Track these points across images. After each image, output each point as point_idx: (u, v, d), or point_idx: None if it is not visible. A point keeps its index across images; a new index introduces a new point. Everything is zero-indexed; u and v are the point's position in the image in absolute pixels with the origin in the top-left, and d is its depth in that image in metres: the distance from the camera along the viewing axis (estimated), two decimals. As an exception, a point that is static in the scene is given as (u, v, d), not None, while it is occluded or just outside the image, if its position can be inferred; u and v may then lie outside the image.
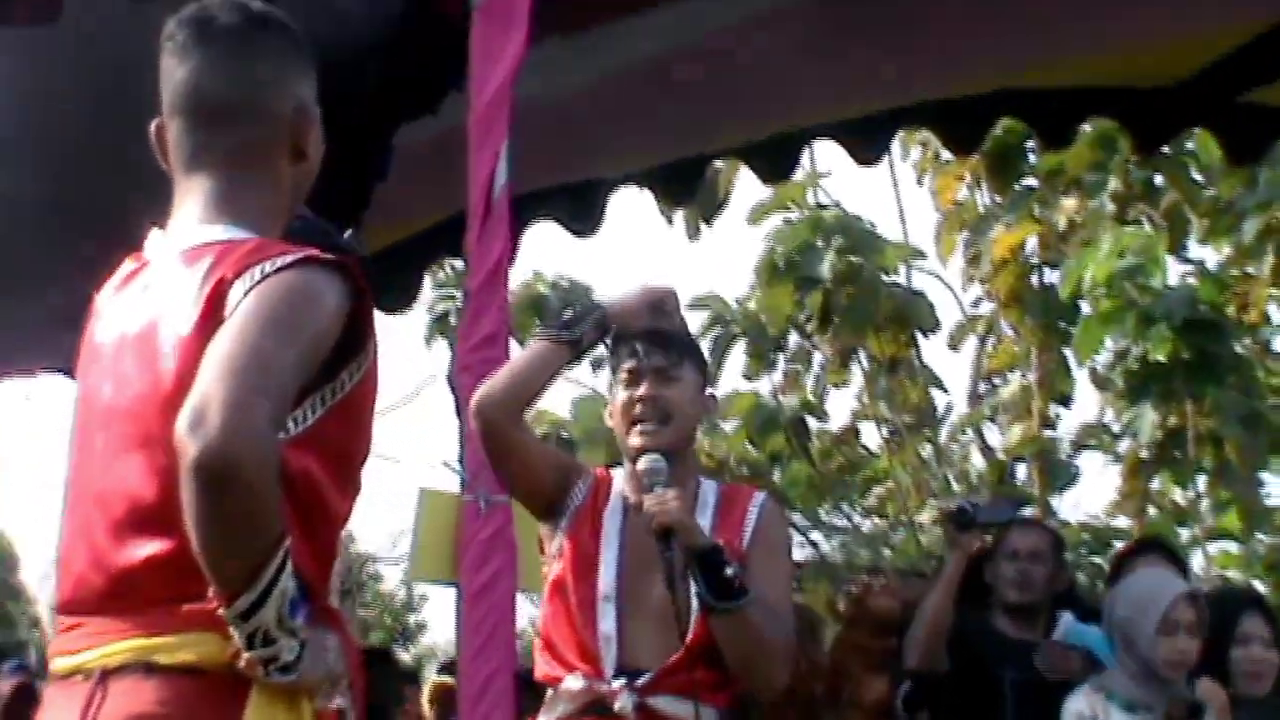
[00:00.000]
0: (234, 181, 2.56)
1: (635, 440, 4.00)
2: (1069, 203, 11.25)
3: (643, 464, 3.93)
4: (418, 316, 14.83)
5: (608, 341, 4.14)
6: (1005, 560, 5.66)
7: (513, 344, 4.71)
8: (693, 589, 3.86)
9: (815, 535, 15.23)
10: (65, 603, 2.49)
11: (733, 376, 12.99)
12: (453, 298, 13.48)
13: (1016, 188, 11.40)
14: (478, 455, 4.88)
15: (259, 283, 2.36)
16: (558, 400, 15.47)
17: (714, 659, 3.90)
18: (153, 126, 2.65)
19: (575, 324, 3.99)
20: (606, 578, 3.96)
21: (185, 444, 2.18)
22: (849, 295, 11.91)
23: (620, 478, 4.13)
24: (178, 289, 2.43)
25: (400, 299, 8.09)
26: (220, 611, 2.26)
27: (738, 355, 12.88)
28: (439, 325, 12.91)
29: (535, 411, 14.23)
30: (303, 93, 2.63)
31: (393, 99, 5.12)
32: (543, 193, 7.01)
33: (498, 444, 4.03)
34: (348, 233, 3.74)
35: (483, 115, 4.77)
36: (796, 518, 14.56)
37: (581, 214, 7.62)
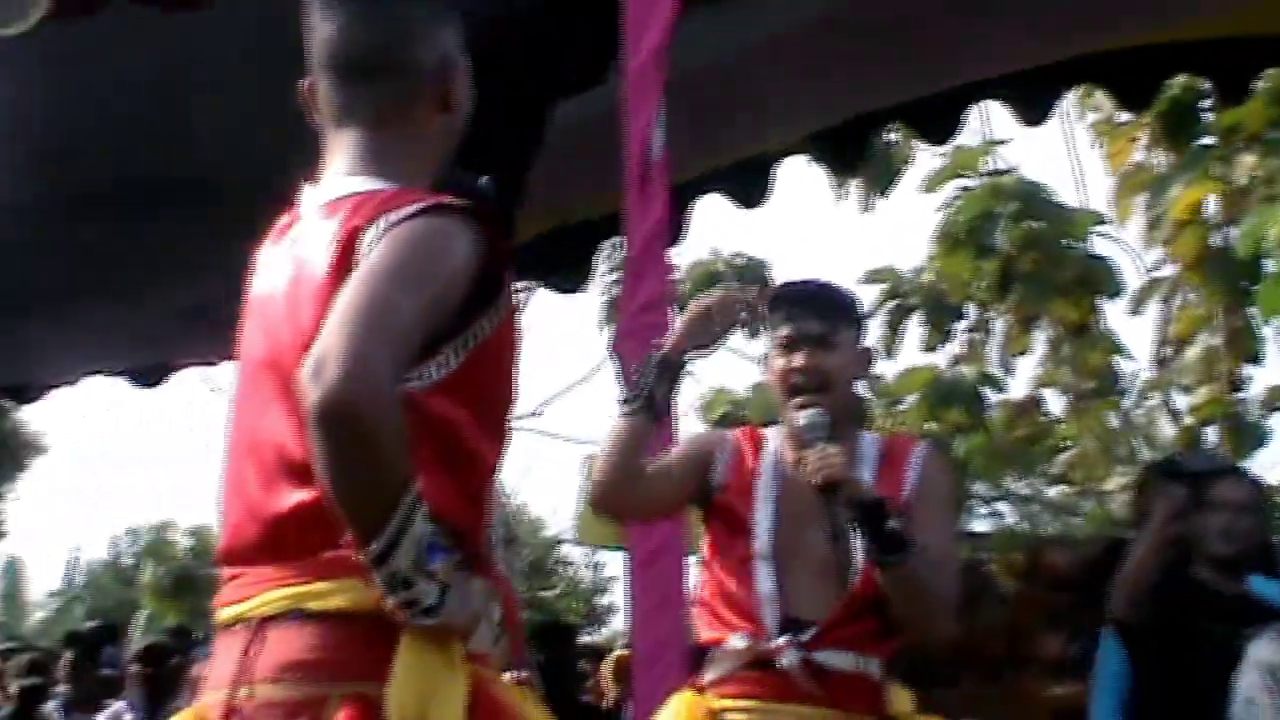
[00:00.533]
0: (381, 135, 2.58)
1: (794, 411, 3.99)
2: (1248, 159, 11.03)
3: (803, 420, 3.92)
4: (594, 299, 14.87)
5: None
6: (1212, 511, 5.58)
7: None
8: (856, 543, 3.85)
9: (1000, 505, 15.10)
10: (225, 553, 2.54)
11: (909, 350, 12.90)
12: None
13: (1193, 146, 11.20)
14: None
15: (387, 231, 2.38)
16: (738, 380, 15.45)
17: (878, 610, 3.89)
18: (304, 84, 2.67)
19: (638, 387, 3.91)
20: (761, 537, 3.96)
21: (306, 392, 2.22)
22: (1031, 262, 11.78)
23: (774, 436, 4.12)
24: (318, 241, 2.47)
25: (572, 279, 8.14)
26: (358, 557, 2.29)
27: (914, 328, 12.76)
28: (613, 308, 12.91)
29: (714, 392, 14.25)
30: (447, 44, 2.64)
31: (551, 69, 5.16)
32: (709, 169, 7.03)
33: (634, 516, 4.15)
34: (483, 179, 3.75)
35: (636, 81, 4.79)
36: (979, 487, 14.44)
37: (749, 186, 7.62)
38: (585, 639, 12.69)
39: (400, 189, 2.50)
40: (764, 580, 3.93)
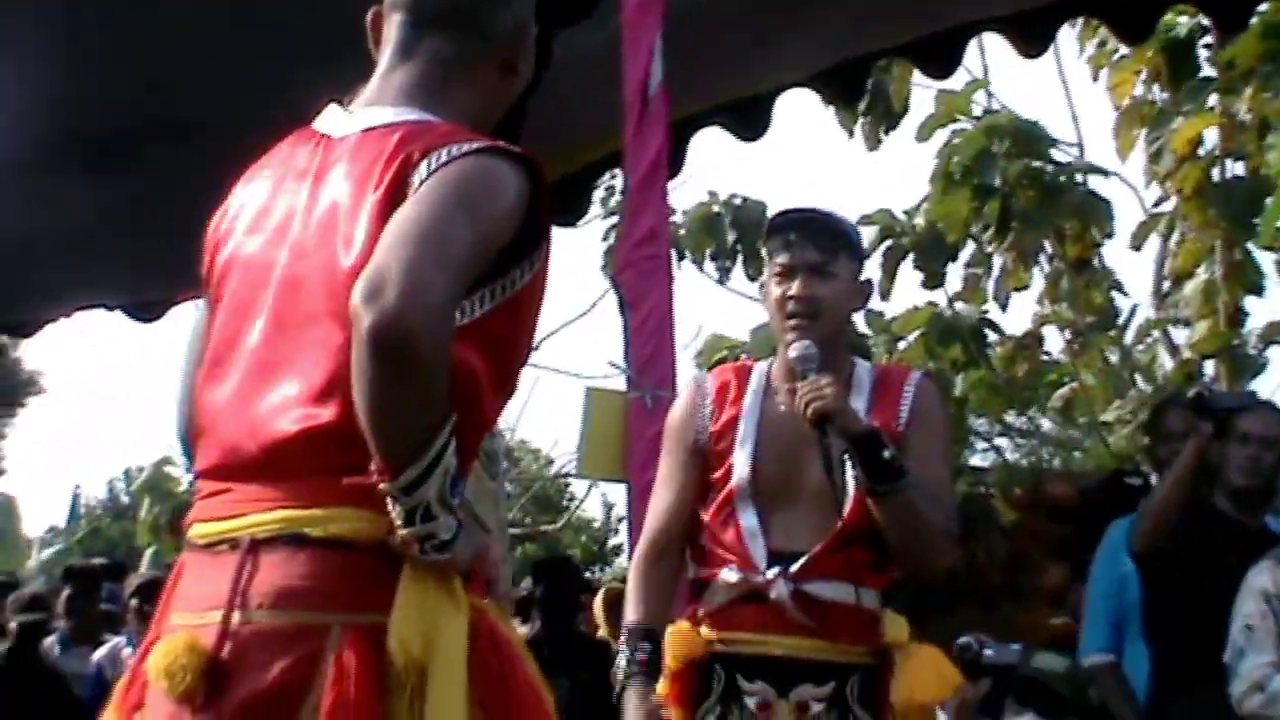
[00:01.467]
0: (439, 78, 2.57)
1: (789, 337, 3.97)
2: (1249, 94, 10.99)
3: (794, 351, 3.90)
4: (592, 234, 14.84)
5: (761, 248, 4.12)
6: (1236, 444, 5.60)
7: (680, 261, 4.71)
8: (849, 473, 3.84)
9: (1000, 440, 15.13)
10: (212, 468, 2.48)
11: (904, 290, 12.90)
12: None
13: (1193, 81, 11.16)
14: (643, 353, 4.93)
15: (445, 164, 2.36)
16: (738, 325, 15.42)
17: (871, 539, 3.88)
18: (370, 14, 2.66)
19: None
20: (740, 474, 3.94)
21: (361, 313, 2.18)
22: (1028, 199, 11.75)
23: (762, 369, 4.11)
24: (363, 163, 2.44)
25: (569, 212, 8.11)
26: (383, 485, 2.26)
27: (908, 270, 12.72)
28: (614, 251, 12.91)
29: (713, 336, 14.25)
30: (522, 9, 2.65)
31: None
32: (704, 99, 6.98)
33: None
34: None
35: (634, 13, 4.79)
36: (980, 423, 14.44)
37: (748, 119, 7.58)
38: (588, 575, 12.73)
39: (455, 126, 2.48)
40: (747, 516, 3.92)
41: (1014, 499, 7.44)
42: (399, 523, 2.28)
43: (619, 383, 5.24)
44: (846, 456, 3.81)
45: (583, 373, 14.27)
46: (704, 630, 3.93)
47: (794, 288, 3.97)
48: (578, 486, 25.65)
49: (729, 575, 3.91)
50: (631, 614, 4.00)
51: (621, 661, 3.96)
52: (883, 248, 12.56)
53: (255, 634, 2.33)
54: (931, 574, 4.11)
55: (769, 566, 3.88)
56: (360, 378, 2.21)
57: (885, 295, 12.56)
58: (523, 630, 7.82)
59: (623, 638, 4.03)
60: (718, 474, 3.98)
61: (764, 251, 4.16)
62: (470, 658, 2.32)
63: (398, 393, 2.20)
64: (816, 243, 3.99)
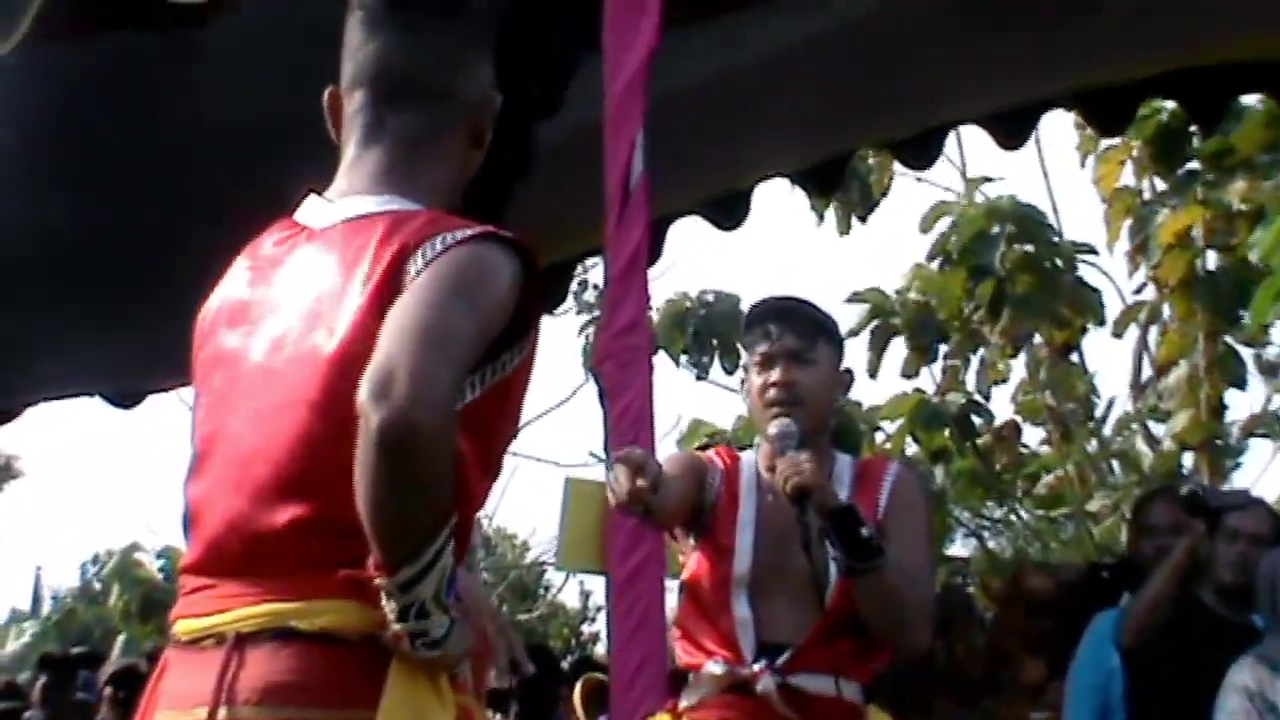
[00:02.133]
0: (410, 157, 2.54)
1: (768, 423, 3.97)
2: (1239, 185, 11.06)
3: (774, 428, 3.90)
4: (569, 322, 14.89)
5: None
6: (1225, 541, 5.62)
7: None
8: (830, 554, 3.84)
9: (980, 530, 15.10)
10: (195, 564, 2.45)
11: (891, 372, 12.90)
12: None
13: (1179, 173, 11.25)
14: (623, 443, 4.92)
15: (440, 254, 2.33)
16: (721, 413, 15.37)
17: (855, 629, 3.86)
18: (326, 94, 2.63)
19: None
20: (741, 562, 3.92)
21: (369, 411, 2.15)
22: (1024, 284, 11.81)
23: (750, 458, 4.10)
24: (347, 255, 2.42)
25: (548, 300, 8.14)
26: (379, 581, 2.23)
27: (898, 349, 12.76)
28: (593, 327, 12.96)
29: (694, 421, 14.25)
30: (486, 78, 2.62)
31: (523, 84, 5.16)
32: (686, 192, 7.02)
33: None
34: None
35: (618, 103, 4.79)
36: (960, 513, 14.43)
37: (726, 210, 7.63)
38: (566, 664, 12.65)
39: (438, 212, 2.47)
40: (740, 606, 3.90)
41: (993, 592, 7.43)
42: (392, 618, 2.26)
43: (598, 472, 5.24)
44: (825, 536, 3.81)
45: (561, 460, 14.27)
46: None
47: (774, 375, 3.97)
48: (554, 574, 25.63)
49: (714, 668, 3.89)
50: None
51: None
52: (871, 326, 12.59)
53: None
54: (910, 656, 4.10)
55: (756, 659, 3.87)
56: (365, 475, 2.18)
57: (873, 374, 12.58)
58: (500, 721, 7.80)
59: None
60: (711, 560, 3.95)
61: (743, 343, 4.17)
62: None
63: (404, 491, 2.18)
64: (796, 330, 4.00)
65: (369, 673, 2.28)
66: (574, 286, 12.62)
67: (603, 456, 4.97)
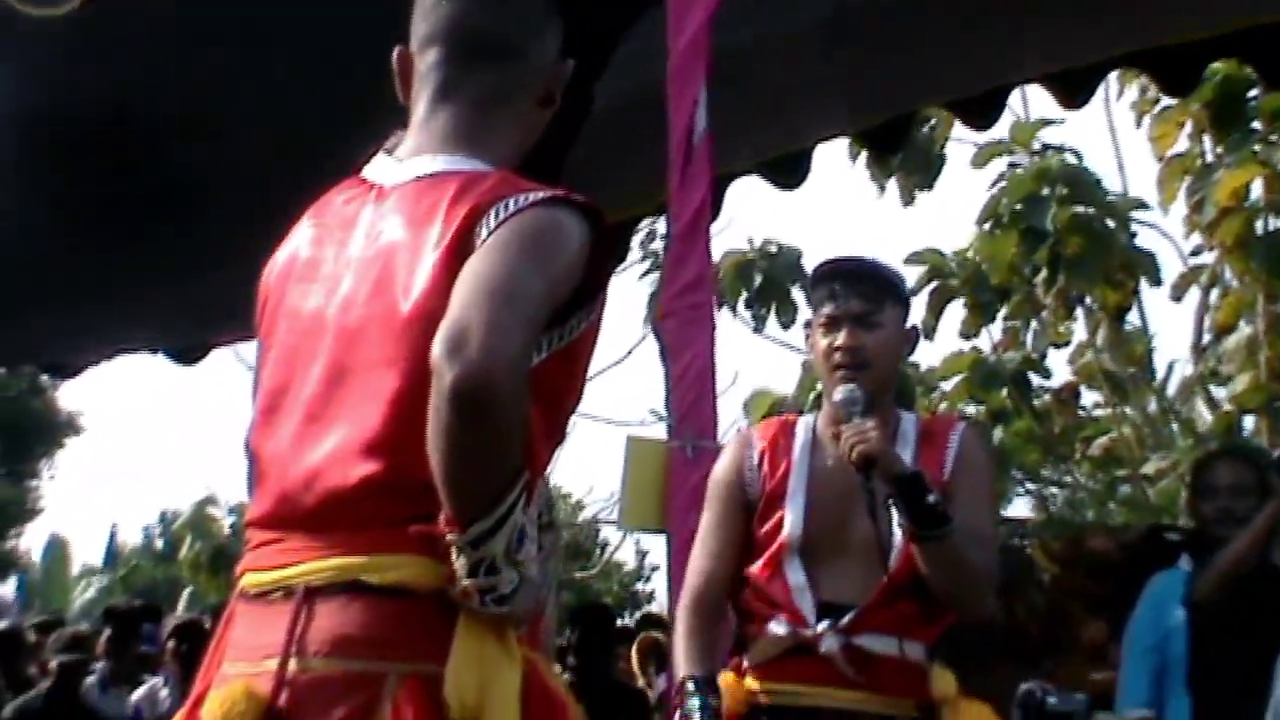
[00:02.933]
0: (483, 117, 2.56)
1: (834, 386, 3.95)
2: (1298, 144, 10.97)
3: (839, 394, 3.89)
4: (630, 279, 14.84)
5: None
6: None
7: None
8: (894, 519, 3.82)
9: (1039, 491, 15.05)
10: (265, 517, 2.47)
11: (950, 333, 12.85)
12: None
13: (1237, 133, 11.14)
14: (685, 402, 4.92)
15: (513, 215, 2.35)
16: (773, 371, 15.33)
17: (918, 592, 3.85)
18: (395, 54, 2.65)
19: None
20: (793, 528, 3.92)
21: (443, 367, 2.17)
22: (1076, 246, 11.73)
23: (808, 422, 4.09)
24: (417, 215, 2.44)
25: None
26: (450, 537, 2.25)
27: (956, 310, 12.69)
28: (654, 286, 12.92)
29: (757, 391, 14.23)
30: (557, 37, 2.64)
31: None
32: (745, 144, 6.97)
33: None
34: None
35: (680, 62, 4.80)
36: (1019, 473, 14.38)
37: (786, 169, 7.59)
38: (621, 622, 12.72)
39: (511, 174, 2.48)
40: (794, 571, 3.90)
41: (1054, 553, 7.40)
42: (462, 574, 2.27)
43: (657, 430, 5.24)
44: (890, 502, 3.80)
45: (617, 419, 14.25)
46: (748, 681, 3.91)
47: (840, 338, 3.95)
48: (610, 533, 25.69)
49: (778, 628, 3.88)
50: (694, 667, 3.91)
51: (696, 712, 3.85)
52: (930, 287, 12.53)
53: (312, 682, 2.31)
54: (975, 620, 4.09)
55: (818, 620, 3.86)
56: (438, 430, 2.20)
57: (930, 335, 12.53)
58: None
59: (688, 688, 3.90)
60: (765, 528, 3.96)
61: (809, 302, 4.15)
62: (523, 710, 2.31)
63: (477, 446, 2.20)
64: (861, 293, 3.98)
65: (437, 628, 2.30)
66: (639, 239, 12.61)
67: (663, 415, 4.96)
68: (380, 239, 2.47)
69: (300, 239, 2.60)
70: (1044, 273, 11.73)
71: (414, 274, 2.39)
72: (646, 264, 13.79)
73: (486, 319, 2.19)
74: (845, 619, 3.85)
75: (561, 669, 7.99)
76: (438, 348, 2.19)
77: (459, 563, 2.27)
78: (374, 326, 2.40)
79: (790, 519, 3.93)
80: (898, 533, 3.83)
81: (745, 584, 3.98)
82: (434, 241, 2.39)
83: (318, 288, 2.51)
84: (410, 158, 2.55)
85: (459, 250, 2.35)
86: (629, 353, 15.30)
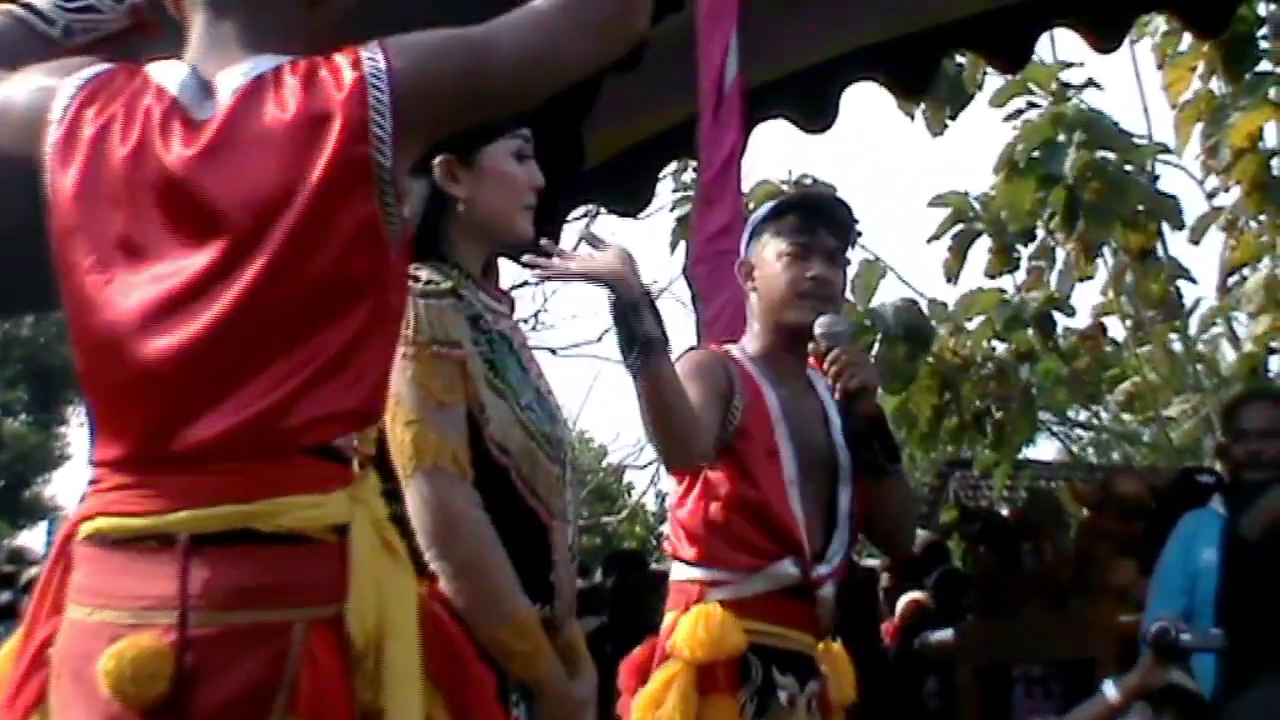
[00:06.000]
0: (254, 23, 2.44)
1: (800, 316, 3.92)
2: (1310, 87, 10.90)
3: (823, 323, 3.87)
4: (659, 223, 14.81)
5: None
6: None
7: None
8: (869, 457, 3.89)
9: (1066, 433, 15.03)
10: (127, 458, 2.30)
11: (974, 274, 12.82)
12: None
13: (1251, 75, 11.08)
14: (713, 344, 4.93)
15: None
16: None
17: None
18: None
19: (632, 341, 3.54)
20: (789, 464, 3.90)
21: None
22: (1094, 191, 11.67)
23: (747, 352, 4.05)
24: (258, 121, 2.31)
25: (632, 203, 8.09)
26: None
27: (980, 252, 12.61)
28: (682, 229, 12.84)
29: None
30: None
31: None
32: (773, 85, 6.91)
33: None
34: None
35: (711, 6, 4.79)
36: (1045, 415, 14.34)
37: (813, 108, 7.54)
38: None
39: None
40: (799, 508, 3.88)
41: (1082, 495, 7.40)
42: None
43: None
44: (859, 437, 3.84)
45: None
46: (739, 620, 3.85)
47: (814, 268, 3.94)
48: (634, 476, 25.75)
49: (791, 568, 3.85)
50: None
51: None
52: (954, 230, 12.48)
53: (216, 636, 2.20)
54: (903, 557, 4.22)
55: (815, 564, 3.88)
56: None
57: (953, 278, 12.48)
58: (591, 622, 7.85)
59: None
60: (757, 454, 3.89)
61: (759, 231, 4.07)
62: (421, 636, 2.29)
63: None
64: (836, 229, 3.99)
65: (336, 568, 2.24)
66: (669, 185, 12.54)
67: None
68: (223, 142, 2.32)
69: (84, 132, 2.38)
70: (1057, 219, 11.69)
71: (279, 182, 2.28)
72: (678, 188, 13.61)
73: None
74: (834, 564, 3.88)
75: (597, 614, 8.01)
76: None
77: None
78: (234, 232, 2.28)
79: (785, 454, 3.90)
80: (848, 473, 3.92)
81: (737, 521, 3.88)
82: (306, 140, 2.29)
83: (136, 205, 2.33)
84: (219, 70, 2.41)
85: (355, 153, 2.28)
86: (659, 294, 15.23)
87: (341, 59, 2.35)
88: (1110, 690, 5.17)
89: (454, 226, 3.12)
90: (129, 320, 2.29)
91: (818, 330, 3.88)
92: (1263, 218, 11.70)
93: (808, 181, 13.30)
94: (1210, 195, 12.66)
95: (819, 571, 3.86)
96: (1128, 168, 11.92)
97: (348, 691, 2.22)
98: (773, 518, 3.86)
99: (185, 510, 2.22)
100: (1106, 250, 12.85)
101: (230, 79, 2.38)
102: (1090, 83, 12.06)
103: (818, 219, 3.97)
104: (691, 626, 3.80)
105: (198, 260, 2.28)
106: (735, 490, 3.88)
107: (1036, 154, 11.67)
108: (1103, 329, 13.43)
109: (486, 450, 2.96)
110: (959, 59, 10.69)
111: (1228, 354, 13.80)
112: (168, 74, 2.42)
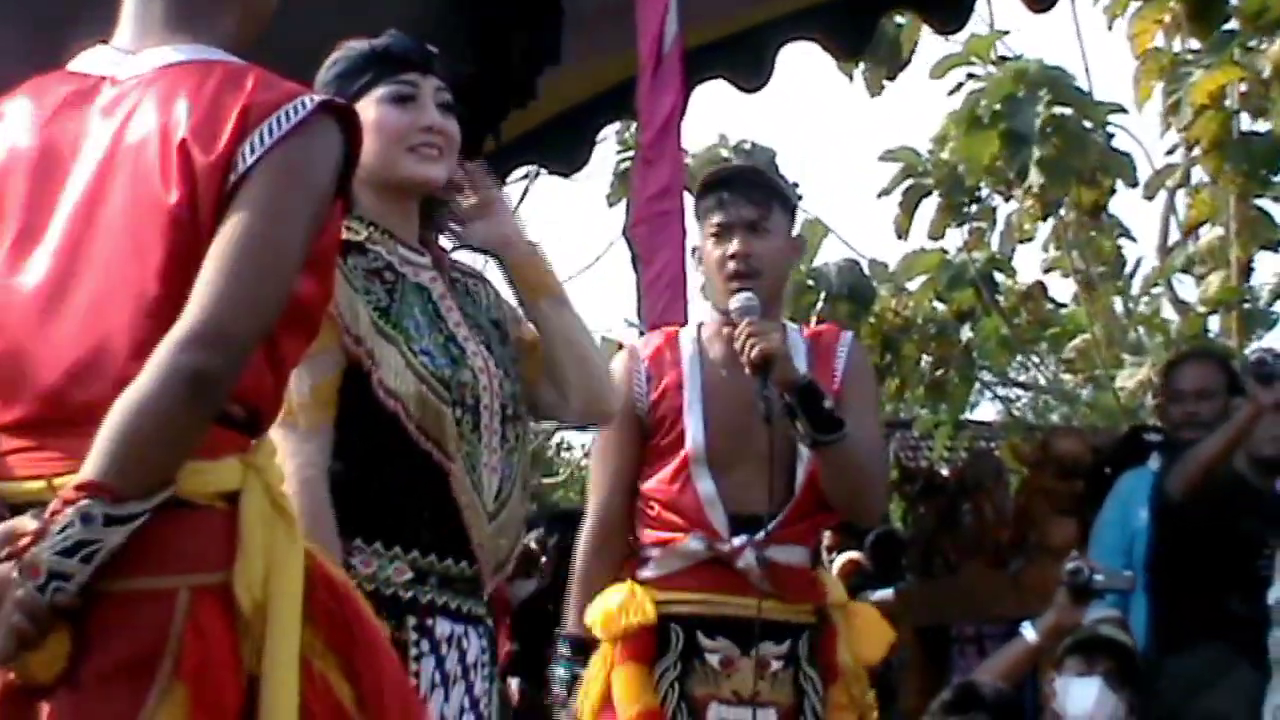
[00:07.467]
0: (191, 3, 2.44)
1: (731, 301, 3.97)
2: (1274, 49, 10.89)
3: (735, 302, 3.91)
4: (597, 183, 14.74)
5: None
6: (1273, 415, 5.55)
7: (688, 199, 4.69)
8: (796, 429, 3.87)
9: (1007, 392, 15.10)
10: (17, 422, 2.31)
11: (917, 235, 12.79)
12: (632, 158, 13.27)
13: (1216, 33, 11.07)
14: (657, 307, 4.94)
15: (280, 140, 2.28)
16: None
17: (821, 501, 3.98)
18: None
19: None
20: (695, 440, 3.96)
21: (183, 355, 2.18)
22: (1054, 147, 11.67)
23: (690, 333, 4.13)
24: (176, 106, 2.31)
25: (569, 162, 8.05)
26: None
27: (928, 209, 12.61)
28: (622, 187, 12.77)
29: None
30: None
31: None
32: (710, 46, 6.86)
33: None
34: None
35: (649, -35, 4.77)
36: (986, 375, 14.40)
37: (749, 69, 7.50)
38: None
39: (262, 71, 2.37)
40: (704, 483, 3.95)
41: (1022, 455, 7.43)
42: None
43: (631, 336, 5.25)
44: (788, 408, 3.83)
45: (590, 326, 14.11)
46: (652, 591, 3.94)
47: (733, 246, 3.96)
48: (573, 440, 25.70)
49: (695, 544, 3.94)
50: (576, 624, 4.01)
51: (560, 683, 4.01)
52: (903, 186, 12.47)
53: (99, 603, 2.17)
54: (868, 524, 4.23)
55: (732, 533, 3.92)
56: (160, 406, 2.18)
57: (902, 235, 12.48)
58: (529, 584, 7.84)
59: (562, 650, 4.05)
60: (665, 440, 3.99)
61: (696, 215, 4.15)
62: (310, 602, 2.27)
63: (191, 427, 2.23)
64: (750, 198, 4.00)
65: (222, 534, 2.24)
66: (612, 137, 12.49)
67: (635, 322, 4.98)
68: (129, 130, 2.33)
69: (15, 128, 2.42)
70: (1025, 173, 11.69)
71: (175, 167, 2.28)
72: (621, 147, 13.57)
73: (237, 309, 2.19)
74: (760, 534, 3.90)
75: (536, 577, 7.99)
76: (180, 332, 2.17)
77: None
78: (129, 219, 2.29)
79: (692, 430, 3.96)
80: (801, 446, 3.90)
81: (647, 498, 4.02)
82: (201, 137, 2.28)
83: (54, 180, 2.36)
84: (143, 49, 2.42)
85: (228, 161, 2.27)
86: (596, 260, 15.22)
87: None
88: (1029, 632, 5.24)
89: (356, 183, 3.12)
90: (21, 292, 2.32)
91: (731, 308, 3.93)
92: (1219, 178, 11.70)
93: (746, 147, 13.30)
94: (1169, 152, 12.65)
95: (734, 543, 3.89)
96: (1086, 124, 11.93)
97: (235, 659, 2.21)
98: (674, 497, 3.95)
99: (69, 475, 2.18)
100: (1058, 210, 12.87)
101: (162, 54, 2.38)
102: (1023, 58, 12.11)
103: (733, 193, 3.99)
104: (602, 606, 3.93)
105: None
106: (646, 474, 4.02)
107: (999, 108, 11.66)
108: (1043, 288, 13.47)
109: (375, 396, 3.01)
110: (899, 19, 10.67)
111: (1169, 314, 13.85)
112: (85, 58, 2.44)
